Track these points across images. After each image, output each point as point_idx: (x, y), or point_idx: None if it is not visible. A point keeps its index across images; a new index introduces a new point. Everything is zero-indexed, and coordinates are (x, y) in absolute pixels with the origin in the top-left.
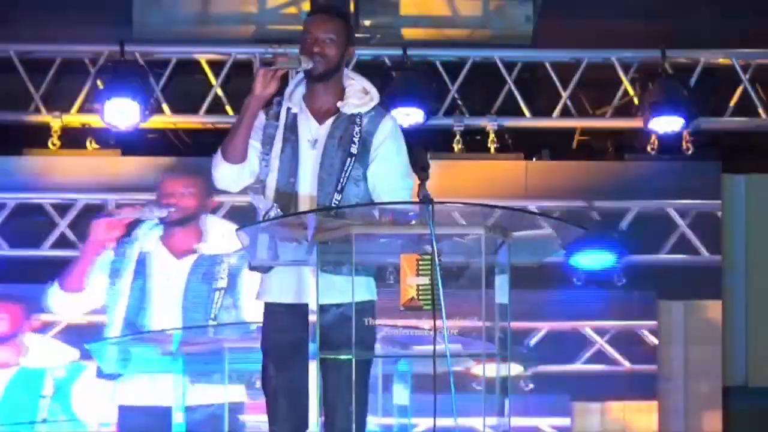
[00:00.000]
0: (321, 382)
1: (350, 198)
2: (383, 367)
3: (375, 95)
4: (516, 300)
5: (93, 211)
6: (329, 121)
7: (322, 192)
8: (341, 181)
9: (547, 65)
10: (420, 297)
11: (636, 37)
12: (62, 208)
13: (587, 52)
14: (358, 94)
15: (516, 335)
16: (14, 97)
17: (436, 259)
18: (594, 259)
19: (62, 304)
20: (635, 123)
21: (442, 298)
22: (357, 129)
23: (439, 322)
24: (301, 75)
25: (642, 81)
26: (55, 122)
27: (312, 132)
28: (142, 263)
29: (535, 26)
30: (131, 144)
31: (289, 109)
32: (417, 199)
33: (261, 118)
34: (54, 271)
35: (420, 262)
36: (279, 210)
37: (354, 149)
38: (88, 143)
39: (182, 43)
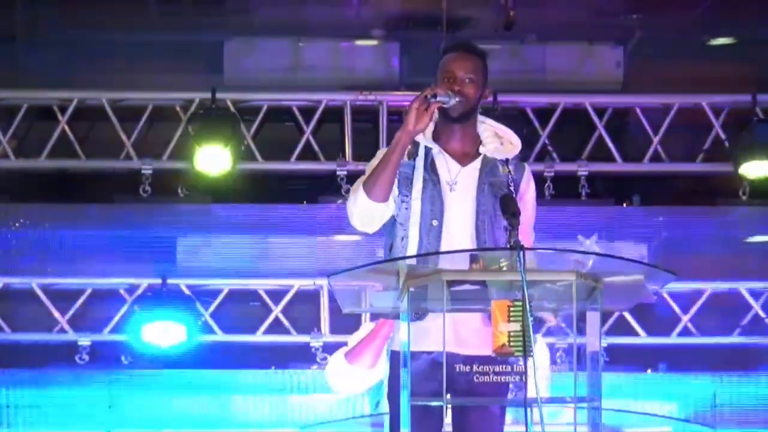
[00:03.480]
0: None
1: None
2: None
3: (516, 141)
4: None
5: (305, 296)
6: (474, 165)
7: (479, 240)
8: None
9: (638, 110)
10: (511, 343)
11: (726, 82)
12: (276, 294)
13: (678, 96)
14: (496, 139)
15: None
16: (106, 144)
17: (528, 306)
18: None
19: (346, 378)
20: (726, 168)
21: (533, 344)
22: (510, 176)
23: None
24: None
25: (733, 125)
26: (147, 169)
27: (451, 174)
28: None
29: (626, 71)
30: (222, 191)
31: (428, 149)
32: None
33: (381, 153)
34: (266, 356)
35: (511, 309)
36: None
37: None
38: (179, 190)
39: (273, 90)
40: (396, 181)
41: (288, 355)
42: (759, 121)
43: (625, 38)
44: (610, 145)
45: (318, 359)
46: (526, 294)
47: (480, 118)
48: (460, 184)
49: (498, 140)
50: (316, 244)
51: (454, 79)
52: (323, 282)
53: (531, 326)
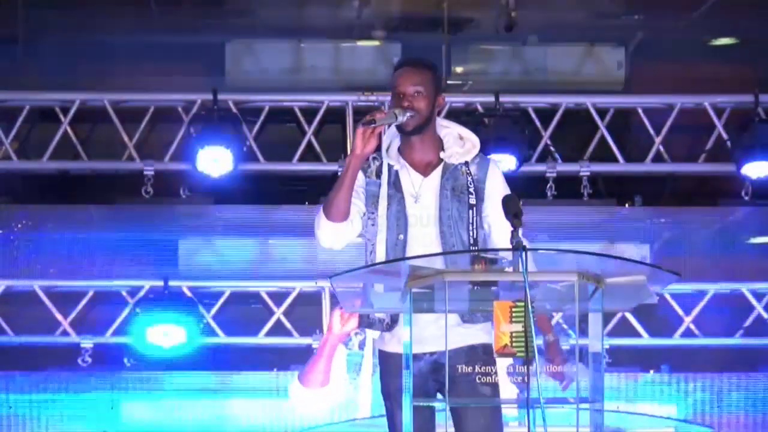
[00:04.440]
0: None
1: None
2: None
3: (476, 141)
4: None
5: (307, 298)
6: (435, 174)
7: (446, 245)
8: (471, 233)
9: (640, 111)
10: (513, 344)
11: (728, 82)
12: (278, 296)
13: (680, 97)
14: (458, 142)
15: None
16: (108, 145)
17: (530, 306)
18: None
19: (305, 401)
20: (728, 168)
21: (535, 345)
22: (469, 179)
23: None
24: (393, 129)
25: (735, 126)
26: (149, 170)
27: (415, 186)
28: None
29: (627, 72)
30: (224, 192)
31: (390, 165)
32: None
33: (360, 177)
34: (268, 358)
35: (513, 309)
36: None
37: (473, 200)
38: (181, 191)
39: (275, 91)
40: (363, 199)
41: (290, 357)
42: (761, 122)
43: (626, 39)
44: (612, 145)
45: None
46: (528, 294)
47: (443, 122)
48: (424, 195)
49: (461, 143)
50: (317, 245)
51: (403, 95)
52: (325, 284)
53: (533, 327)
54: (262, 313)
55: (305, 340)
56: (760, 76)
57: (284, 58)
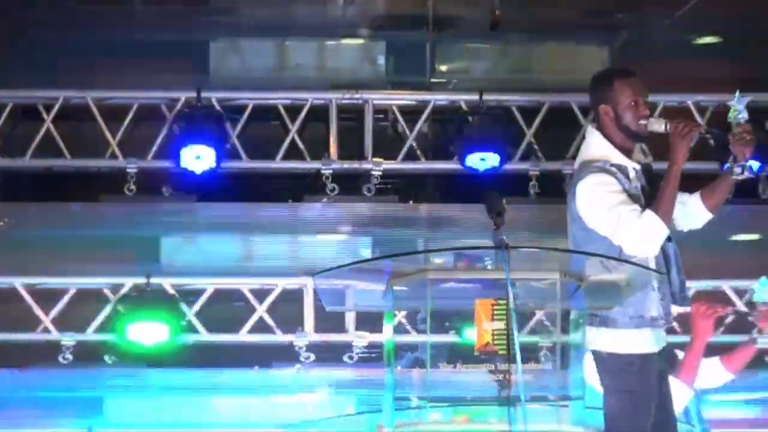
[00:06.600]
0: None
1: None
2: None
3: None
4: None
5: (290, 296)
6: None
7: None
8: None
9: None
10: (495, 342)
11: (711, 81)
12: (261, 293)
13: (663, 96)
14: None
15: None
16: (91, 143)
17: (512, 304)
18: None
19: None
20: (711, 166)
21: (517, 343)
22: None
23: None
24: (598, 134)
25: (717, 124)
26: (132, 168)
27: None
28: None
29: None
30: (207, 190)
31: (635, 168)
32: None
33: (612, 179)
34: (251, 356)
35: (495, 307)
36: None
37: None
38: (163, 189)
39: (259, 89)
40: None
41: (272, 354)
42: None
43: (610, 38)
44: None
45: (302, 358)
46: (510, 292)
47: None
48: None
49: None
50: (300, 243)
51: (640, 103)
52: (308, 281)
53: (515, 325)
54: (244, 311)
55: (288, 338)
56: (743, 75)
57: (269, 57)
